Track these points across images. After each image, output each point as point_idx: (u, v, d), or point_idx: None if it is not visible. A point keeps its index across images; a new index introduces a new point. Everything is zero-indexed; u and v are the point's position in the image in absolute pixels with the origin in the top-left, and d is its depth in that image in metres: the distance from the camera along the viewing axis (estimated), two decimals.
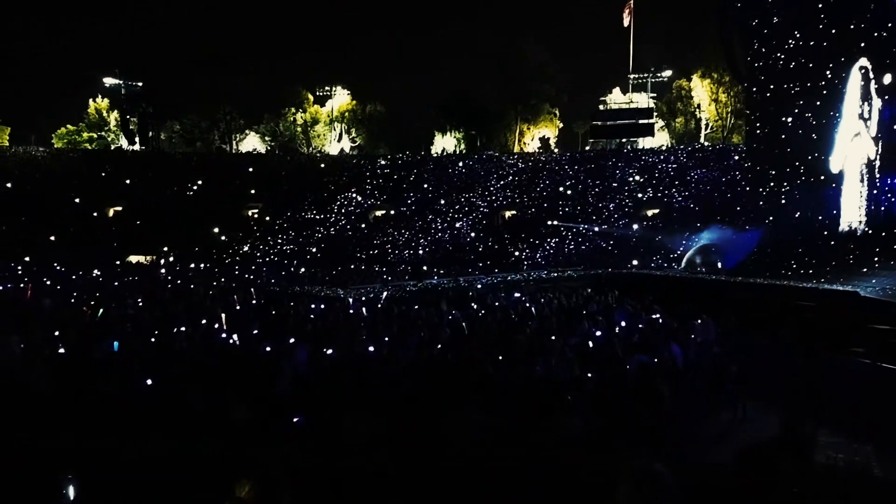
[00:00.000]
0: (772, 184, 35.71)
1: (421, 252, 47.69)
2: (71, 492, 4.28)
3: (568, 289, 26.86)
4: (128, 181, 56.39)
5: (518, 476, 5.34)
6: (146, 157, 64.33)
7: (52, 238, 46.85)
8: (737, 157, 51.74)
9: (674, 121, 69.31)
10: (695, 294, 25.01)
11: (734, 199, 47.21)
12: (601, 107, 68.61)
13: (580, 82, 65.84)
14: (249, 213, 55.17)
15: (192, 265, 41.75)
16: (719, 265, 35.50)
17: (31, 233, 46.94)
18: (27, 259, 40.96)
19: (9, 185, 54.50)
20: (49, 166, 59.47)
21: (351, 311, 19.89)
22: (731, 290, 26.17)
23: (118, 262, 42.76)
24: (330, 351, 12.52)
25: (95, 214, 52.52)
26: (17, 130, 70.06)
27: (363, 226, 53.47)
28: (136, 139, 70.74)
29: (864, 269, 26.50)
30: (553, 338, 13.97)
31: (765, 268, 30.27)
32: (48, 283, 28.15)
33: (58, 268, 35.87)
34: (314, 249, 49.34)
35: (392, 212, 55.23)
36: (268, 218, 54.24)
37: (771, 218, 35.38)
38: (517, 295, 24.57)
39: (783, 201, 34.68)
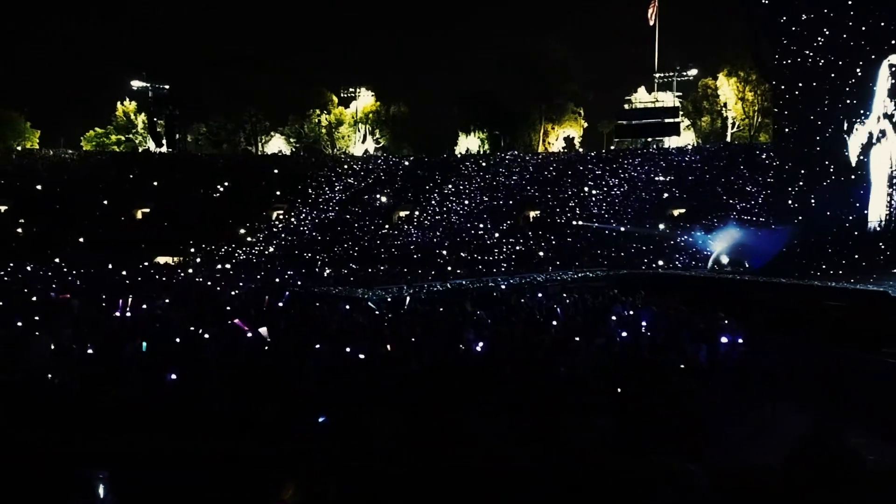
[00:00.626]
0: (800, 182, 35.27)
1: (444, 252, 47.68)
2: (101, 491, 4.31)
3: (593, 289, 26.70)
4: (155, 183, 56.98)
5: (543, 477, 5.31)
6: (173, 159, 64.98)
7: (81, 239, 47.47)
8: (764, 156, 51.15)
9: (700, 120, 68.68)
10: (722, 294, 24.79)
11: (761, 198, 46.72)
12: (626, 106, 68.19)
13: (605, 81, 65.38)
14: (275, 215, 55.55)
15: (219, 266, 42.08)
16: (746, 265, 35.15)
17: (61, 234, 47.57)
18: (56, 260, 41.50)
19: (39, 187, 55.31)
20: (78, 169, 60.27)
21: (375, 312, 19.92)
22: (758, 289, 25.88)
23: (146, 264, 43.20)
24: (354, 350, 12.53)
25: (123, 217, 53.13)
26: (46, 133, 71.04)
27: (387, 226, 53.60)
28: (164, 141, 71.46)
29: (895, 269, 26.13)
30: (578, 339, 13.89)
31: (793, 267, 29.91)
32: (77, 283, 28.48)
33: (86, 268, 36.30)
34: (338, 250, 49.51)
35: (416, 212, 55.30)
36: (293, 219, 54.57)
37: (800, 217, 34.96)
38: (541, 295, 24.47)
39: (812, 200, 34.25)
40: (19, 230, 49.66)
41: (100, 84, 62.77)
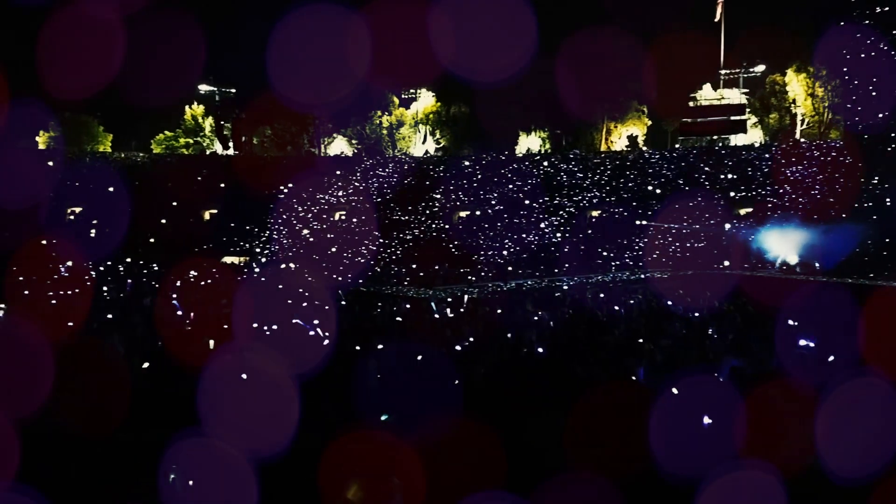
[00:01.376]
0: (875, 180, 34.10)
1: (506, 253, 47.54)
2: (176, 485, 4.41)
3: (658, 290, 26.32)
4: (222, 185, 58.23)
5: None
6: (239, 162, 66.29)
7: (152, 240, 48.83)
8: (835, 153, 49.58)
9: (767, 117, 66.99)
10: (791, 295, 24.11)
11: (833, 196, 45.31)
12: (691, 103, 67.01)
13: (670, 78, 64.15)
14: (336, 216, 56.19)
15: (283, 266, 42.77)
16: (817, 265, 34.16)
17: (132, 235, 49.00)
18: (128, 260, 42.82)
19: (111, 189, 57.03)
20: (148, 171, 62.00)
21: (436, 313, 19.99)
22: (829, 291, 25.13)
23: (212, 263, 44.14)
24: (415, 350, 12.58)
25: (191, 219, 54.46)
26: (118, 137, 73.22)
27: (447, 227, 53.72)
28: (230, 144, 73.01)
29: None
30: (641, 340, 13.73)
31: (867, 268, 28.95)
32: (151, 283, 29.36)
33: (156, 268, 37.37)
34: (399, 251, 49.83)
35: (477, 212, 55.27)
36: (354, 220, 55.12)
37: (875, 216, 33.81)
38: (604, 296, 24.21)
39: (887, 198, 33.08)
40: (92, 232, 51.34)
41: (169, 88, 64.16)
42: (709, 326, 16.34)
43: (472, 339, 14.09)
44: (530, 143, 72.42)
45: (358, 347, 13.10)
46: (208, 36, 61.21)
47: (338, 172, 61.21)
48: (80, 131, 69.97)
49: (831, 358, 12.95)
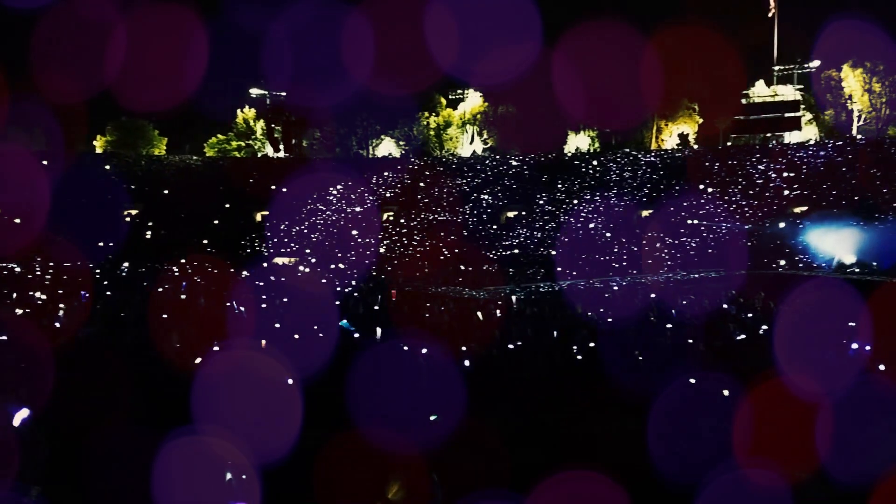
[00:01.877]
0: None
1: (554, 253, 47.31)
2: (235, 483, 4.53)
3: (709, 290, 25.94)
4: (273, 187, 59.06)
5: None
6: (289, 164, 67.14)
7: (205, 241, 49.77)
8: (893, 150, 48.24)
9: (822, 113, 65.47)
10: (847, 296, 23.53)
11: (890, 194, 44.09)
12: (744, 100, 65.83)
13: (721, 75, 63.20)
14: (385, 216, 56.56)
15: (332, 266, 43.24)
16: (874, 265, 33.29)
17: (186, 236, 50.03)
18: (182, 261, 43.70)
19: (165, 191, 58.38)
20: (202, 174, 63.25)
21: (483, 313, 20.00)
22: (887, 291, 24.46)
23: (265, 265, 44.85)
24: (464, 350, 12.64)
25: (243, 221, 55.35)
26: (173, 140, 74.81)
27: (495, 227, 53.65)
28: (281, 146, 74.05)
29: None
30: (691, 341, 13.57)
31: None
32: (204, 284, 29.94)
33: (209, 269, 38.04)
34: (447, 251, 49.96)
35: (524, 212, 55.10)
36: (402, 220, 55.44)
37: None
38: (654, 296, 23.95)
39: None
40: (148, 233, 52.56)
41: (222, 93, 65.41)
42: (761, 328, 16.05)
43: (520, 341, 14.08)
44: (579, 142, 71.88)
45: (406, 346, 13.17)
46: (259, 40, 62.27)
47: (385, 174, 61.64)
48: (135, 134, 71.69)
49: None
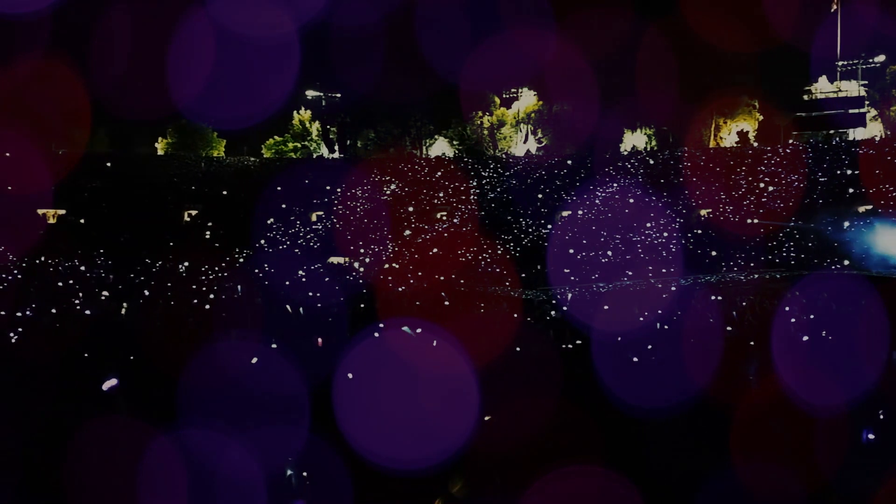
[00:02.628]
0: None
1: (610, 253, 46.70)
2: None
3: (771, 291, 25.32)
4: (328, 187, 59.69)
5: None
6: (344, 164, 67.79)
7: (263, 241, 50.55)
8: None
9: (888, 109, 63.39)
10: None
11: None
12: (806, 97, 64.21)
13: (782, 71, 61.98)
14: (438, 216, 56.61)
15: (386, 265, 43.44)
16: None
17: (245, 236, 50.87)
18: (241, 261, 44.46)
19: (224, 192, 59.48)
20: (259, 175, 64.26)
21: (536, 314, 19.85)
22: None
23: (320, 265, 45.33)
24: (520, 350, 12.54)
25: (298, 221, 56.03)
26: (231, 142, 76.25)
27: (550, 227, 53.21)
28: (336, 147, 74.89)
29: None
30: (752, 343, 13.23)
31: None
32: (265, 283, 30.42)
33: (267, 269, 38.63)
34: (500, 251, 49.72)
35: (580, 212, 54.55)
36: (455, 220, 55.42)
37: None
38: (714, 297, 23.44)
39: None
40: (207, 234, 53.55)
41: (278, 95, 66.49)
42: (825, 329, 15.55)
43: (578, 342, 13.92)
44: (635, 140, 70.96)
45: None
46: (315, 42, 63.09)
47: (439, 173, 61.76)
48: (195, 137, 73.28)
49: None
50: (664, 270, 38.21)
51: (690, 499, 6.23)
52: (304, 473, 6.85)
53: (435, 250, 51.15)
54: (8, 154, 50.04)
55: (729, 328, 16.55)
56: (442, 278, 36.13)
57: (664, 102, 67.85)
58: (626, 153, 66.48)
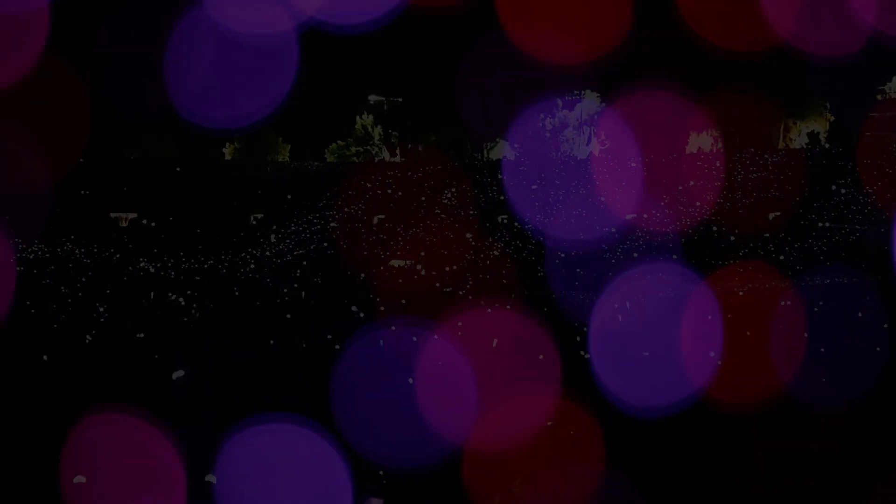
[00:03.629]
0: None
1: (674, 256, 45.93)
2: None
3: (841, 295, 24.60)
4: (389, 191, 60.21)
5: None
6: (406, 168, 68.22)
7: (325, 244, 51.26)
8: None
9: None
10: None
11: None
12: (879, 97, 62.24)
13: (854, 70, 60.27)
14: (499, 219, 56.48)
15: (447, 268, 43.55)
16: None
17: (307, 238, 51.74)
18: (304, 263, 45.25)
19: (289, 196, 60.54)
20: (322, 179, 65.15)
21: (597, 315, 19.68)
22: None
23: (381, 267, 45.71)
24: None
25: (359, 225, 56.59)
26: (295, 147, 77.47)
27: (614, 228, 52.55)
28: (398, 151, 75.39)
29: None
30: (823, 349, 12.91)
31: None
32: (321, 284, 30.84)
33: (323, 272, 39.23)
34: (563, 253, 49.34)
35: (644, 214, 53.76)
36: (516, 223, 55.21)
37: None
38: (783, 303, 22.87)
39: None
40: (273, 236, 54.61)
41: (342, 99, 67.55)
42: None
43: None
44: (701, 141, 69.63)
45: None
46: (377, 48, 63.84)
47: (500, 177, 61.64)
48: (260, 142, 74.70)
49: None
50: None
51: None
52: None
53: (496, 252, 51.06)
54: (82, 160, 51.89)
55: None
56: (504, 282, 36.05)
57: (731, 103, 66.44)
58: (690, 153, 65.22)
